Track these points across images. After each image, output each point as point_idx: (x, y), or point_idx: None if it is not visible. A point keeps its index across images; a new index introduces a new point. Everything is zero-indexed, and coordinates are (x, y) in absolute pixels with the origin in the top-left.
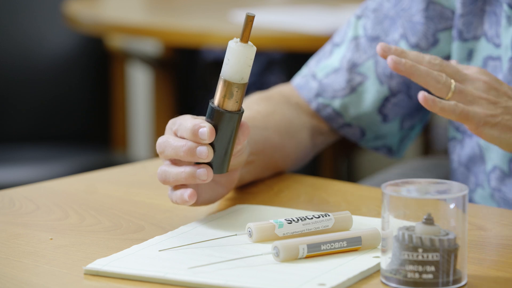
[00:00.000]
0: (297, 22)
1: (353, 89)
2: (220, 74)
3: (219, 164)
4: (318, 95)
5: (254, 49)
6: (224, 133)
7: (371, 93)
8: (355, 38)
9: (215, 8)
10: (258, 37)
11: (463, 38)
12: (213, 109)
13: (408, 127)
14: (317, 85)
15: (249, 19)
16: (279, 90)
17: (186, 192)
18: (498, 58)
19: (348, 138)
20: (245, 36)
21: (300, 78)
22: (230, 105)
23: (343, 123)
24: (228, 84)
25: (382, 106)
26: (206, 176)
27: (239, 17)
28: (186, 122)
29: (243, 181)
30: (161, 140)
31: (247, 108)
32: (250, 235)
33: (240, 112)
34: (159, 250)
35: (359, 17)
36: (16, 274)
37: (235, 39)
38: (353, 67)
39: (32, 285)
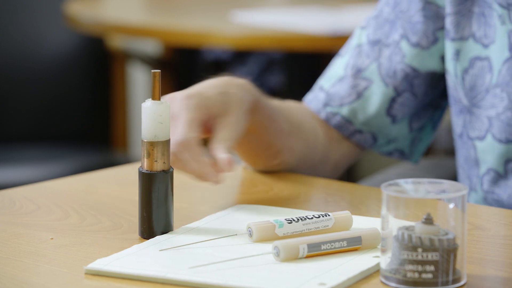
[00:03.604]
0: (297, 22)
1: (360, 94)
2: None
3: (163, 224)
4: (326, 104)
5: (166, 105)
6: (156, 193)
7: (378, 95)
8: (358, 45)
9: (215, 8)
10: (258, 37)
11: (450, 38)
12: (138, 171)
13: (417, 128)
14: (324, 95)
15: (155, 76)
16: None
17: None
18: (486, 59)
19: (361, 145)
20: (155, 94)
21: (310, 94)
22: (150, 165)
23: (353, 130)
24: (143, 144)
25: (390, 108)
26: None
27: (239, 17)
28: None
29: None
30: (177, 150)
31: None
32: (251, 235)
33: (162, 171)
34: (160, 250)
35: (363, 28)
36: (16, 274)
37: (148, 99)
38: (357, 73)
39: (33, 284)
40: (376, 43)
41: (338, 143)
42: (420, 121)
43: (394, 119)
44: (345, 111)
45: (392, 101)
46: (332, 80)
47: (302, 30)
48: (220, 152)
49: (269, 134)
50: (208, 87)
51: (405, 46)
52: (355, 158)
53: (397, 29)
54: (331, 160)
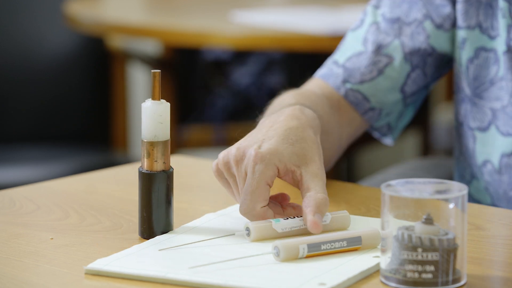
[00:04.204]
0: (297, 22)
1: (381, 71)
2: None
3: (163, 224)
4: (345, 81)
5: (166, 105)
6: (156, 193)
7: (398, 72)
8: (375, 23)
9: (215, 8)
10: (258, 37)
11: (458, 25)
12: (138, 171)
13: (408, 103)
14: (342, 71)
15: (155, 76)
16: (307, 88)
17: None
18: (492, 50)
19: (368, 121)
20: (155, 94)
21: (324, 69)
22: (150, 165)
23: (368, 108)
24: (143, 144)
25: (405, 84)
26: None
27: (239, 17)
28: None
29: None
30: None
31: (291, 100)
32: (248, 234)
33: (162, 171)
34: (159, 250)
35: (376, 7)
36: (16, 274)
37: (148, 99)
38: (378, 49)
39: (33, 284)
40: (395, 21)
41: (348, 126)
42: (413, 98)
43: (403, 95)
44: (365, 88)
45: (408, 77)
46: (348, 54)
47: (302, 30)
48: (311, 212)
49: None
50: (281, 140)
51: (428, 26)
52: (357, 136)
53: (419, 8)
54: (341, 146)
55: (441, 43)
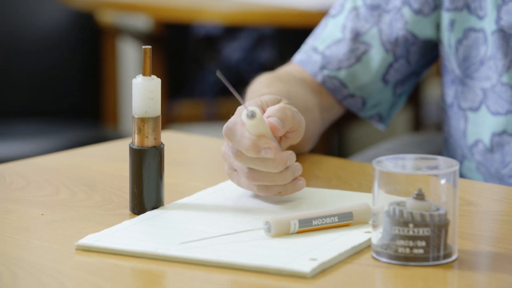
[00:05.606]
0: None
1: (358, 58)
2: None
3: (153, 200)
4: (323, 67)
5: (157, 81)
6: (147, 169)
7: (376, 61)
8: (355, 8)
9: None
10: (249, 13)
11: (445, 7)
12: (129, 147)
13: (399, 93)
14: (320, 58)
15: (146, 52)
16: (284, 70)
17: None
18: (481, 30)
19: (350, 109)
20: (146, 70)
21: (301, 54)
22: (141, 141)
23: (347, 94)
24: (133, 120)
25: (386, 73)
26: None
27: None
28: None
29: None
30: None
31: (264, 89)
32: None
33: (153, 147)
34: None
35: None
36: (7, 250)
37: (139, 75)
38: (356, 37)
39: (24, 261)
40: (375, 8)
41: (327, 111)
42: (403, 87)
43: (386, 84)
44: (342, 74)
45: (389, 66)
46: (327, 42)
47: (293, 6)
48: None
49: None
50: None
51: (407, 12)
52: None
53: None
54: (322, 128)
55: (421, 29)
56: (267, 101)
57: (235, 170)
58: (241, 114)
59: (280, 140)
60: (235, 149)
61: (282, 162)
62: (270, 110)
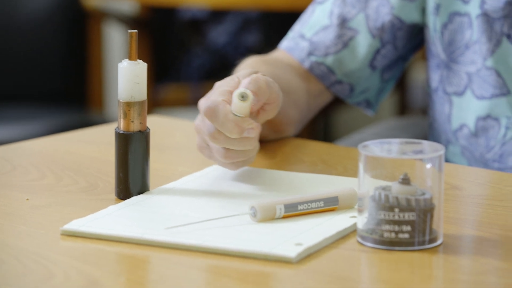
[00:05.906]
0: None
1: (345, 44)
2: None
3: (139, 185)
4: (310, 53)
5: (143, 65)
6: (133, 154)
7: (363, 47)
8: None
9: None
10: None
11: None
12: (115, 132)
13: (386, 79)
14: (308, 44)
15: (132, 36)
16: (272, 56)
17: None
18: (466, 14)
19: (338, 95)
20: (132, 54)
21: (288, 41)
22: (126, 125)
23: (334, 81)
24: (120, 104)
25: (373, 59)
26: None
27: None
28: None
29: None
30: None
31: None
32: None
33: (139, 132)
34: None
35: None
36: None
37: (125, 59)
38: (343, 22)
39: (9, 246)
40: None
41: (316, 98)
42: (390, 72)
43: (373, 70)
44: (329, 60)
45: (377, 52)
46: (315, 28)
47: None
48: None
49: (270, 121)
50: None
51: None
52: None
53: None
54: (309, 114)
55: (407, 13)
56: (243, 76)
57: (207, 145)
58: (219, 92)
59: (258, 113)
60: (212, 129)
61: (257, 138)
62: (243, 83)
